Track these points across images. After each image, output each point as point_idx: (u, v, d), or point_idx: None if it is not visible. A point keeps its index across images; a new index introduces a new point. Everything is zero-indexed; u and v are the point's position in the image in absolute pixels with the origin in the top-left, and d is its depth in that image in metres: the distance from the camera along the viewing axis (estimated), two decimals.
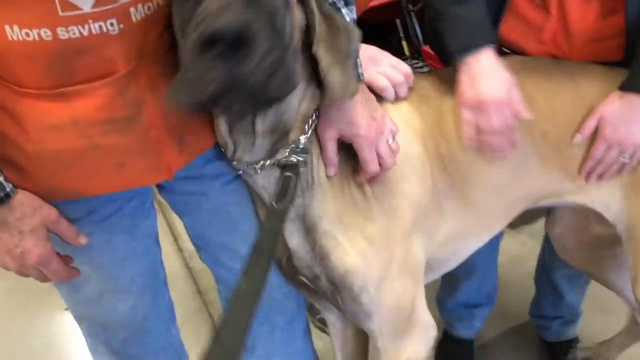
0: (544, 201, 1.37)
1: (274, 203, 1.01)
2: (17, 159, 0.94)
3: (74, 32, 0.86)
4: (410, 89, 1.23)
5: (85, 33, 0.86)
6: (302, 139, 1.05)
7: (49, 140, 0.93)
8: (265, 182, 1.08)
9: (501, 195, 1.30)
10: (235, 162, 1.09)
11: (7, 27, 0.83)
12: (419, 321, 1.21)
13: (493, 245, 1.74)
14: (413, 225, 1.17)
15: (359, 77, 1.04)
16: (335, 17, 0.97)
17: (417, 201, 1.18)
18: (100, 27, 0.86)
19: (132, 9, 0.88)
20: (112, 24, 0.87)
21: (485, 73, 1.14)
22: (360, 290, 1.14)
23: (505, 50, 1.37)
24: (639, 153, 1.23)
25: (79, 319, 1.24)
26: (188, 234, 1.29)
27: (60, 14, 0.84)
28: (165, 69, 0.97)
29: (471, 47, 1.16)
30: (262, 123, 1.02)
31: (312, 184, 1.10)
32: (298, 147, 1.04)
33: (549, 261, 1.85)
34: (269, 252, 0.92)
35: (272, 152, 1.05)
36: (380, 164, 1.09)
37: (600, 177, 1.27)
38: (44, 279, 1.02)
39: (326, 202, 1.11)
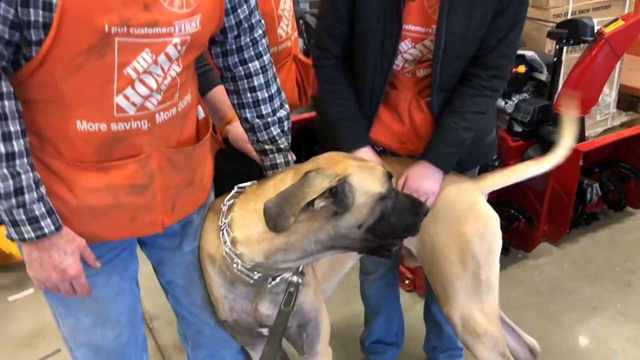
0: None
1: (282, 306, 1.45)
2: (62, 210, 1.25)
3: (121, 126, 1.23)
4: None
5: (127, 128, 1.24)
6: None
7: (88, 198, 1.26)
8: (270, 287, 1.48)
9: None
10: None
11: (77, 121, 1.20)
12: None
13: (392, 290, 2.25)
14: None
15: None
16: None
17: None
18: (137, 124, 1.25)
19: (157, 115, 1.28)
20: (144, 123, 1.26)
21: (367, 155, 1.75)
22: (318, 318, 1.62)
23: (377, 148, 1.90)
24: (431, 199, 1.71)
25: (78, 345, 1.50)
26: (159, 280, 1.65)
27: (115, 115, 1.21)
28: (170, 156, 1.35)
29: (357, 146, 1.77)
30: None
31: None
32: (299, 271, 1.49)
33: (428, 300, 2.22)
34: (280, 334, 1.44)
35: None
36: None
37: None
38: (72, 292, 1.31)
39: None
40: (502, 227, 1.78)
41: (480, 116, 1.71)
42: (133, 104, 1.23)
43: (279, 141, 1.52)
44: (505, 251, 3.02)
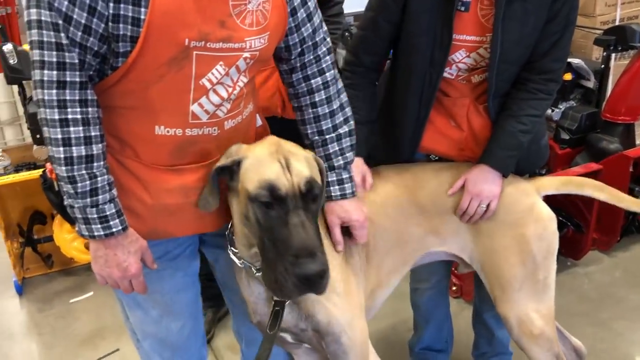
0: (424, 257, 1.82)
1: (267, 330, 1.42)
2: (138, 208, 1.38)
3: (194, 132, 1.35)
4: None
5: (200, 133, 1.36)
6: None
7: (163, 198, 1.38)
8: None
9: (394, 258, 1.76)
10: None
11: (156, 126, 1.31)
12: (372, 352, 1.62)
13: (444, 299, 2.26)
14: (359, 281, 1.61)
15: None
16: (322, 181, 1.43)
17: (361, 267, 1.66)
18: (208, 130, 1.37)
19: (225, 122, 1.39)
20: (214, 130, 1.38)
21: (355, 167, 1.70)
22: (340, 333, 1.50)
23: (433, 157, 1.93)
24: (493, 202, 1.72)
25: (145, 336, 1.61)
26: (216, 278, 1.75)
27: (190, 121, 1.33)
28: None
29: None
30: None
31: None
32: None
33: (479, 306, 2.21)
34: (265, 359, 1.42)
35: None
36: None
37: (470, 219, 1.74)
38: (129, 289, 1.40)
39: None
40: None
41: (536, 119, 1.74)
42: (206, 112, 1.34)
43: (334, 159, 1.54)
44: None
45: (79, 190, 1.25)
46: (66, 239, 3.09)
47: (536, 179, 1.87)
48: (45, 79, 1.18)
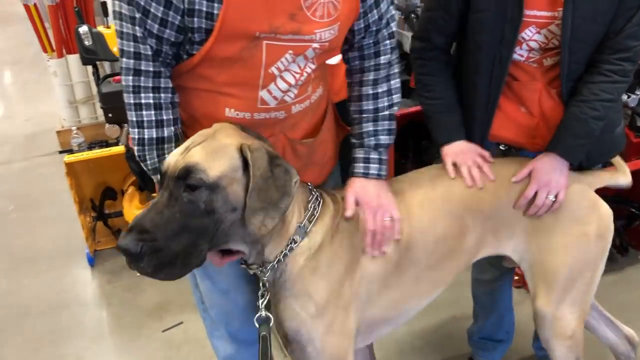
0: (475, 258, 1.71)
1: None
2: None
3: (262, 116, 1.40)
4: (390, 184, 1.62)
5: (267, 117, 1.41)
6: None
7: None
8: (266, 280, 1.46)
9: (438, 272, 1.64)
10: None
11: (226, 109, 1.38)
12: None
13: (507, 291, 2.20)
14: (352, 300, 1.49)
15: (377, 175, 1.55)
16: (276, 179, 1.28)
17: (365, 283, 1.52)
18: (275, 114, 1.42)
19: (293, 106, 1.44)
20: (281, 113, 1.43)
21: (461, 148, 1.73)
22: (307, 343, 1.46)
23: (502, 147, 1.85)
24: (561, 193, 1.62)
25: (212, 305, 1.67)
26: None
27: (258, 106, 1.39)
28: (294, 145, 1.50)
29: (451, 140, 1.76)
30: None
31: (281, 278, 1.44)
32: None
33: None
34: None
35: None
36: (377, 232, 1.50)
37: (536, 213, 1.63)
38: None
39: (290, 289, 1.45)
40: (620, 227, 1.72)
41: (610, 104, 1.64)
42: (274, 97, 1.38)
43: (365, 138, 1.55)
44: (623, 251, 2.88)
45: (149, 168, 1.37)
46: (135, 214, 3.21)
47: (589, 172, 1.76)
48: (124, 66, 1.32)
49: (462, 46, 1.78)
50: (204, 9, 1.23)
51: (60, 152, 4.59)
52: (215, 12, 1.23)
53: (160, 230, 1.20)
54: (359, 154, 1.56)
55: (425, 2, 1.82)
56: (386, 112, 1.56)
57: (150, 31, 1.26)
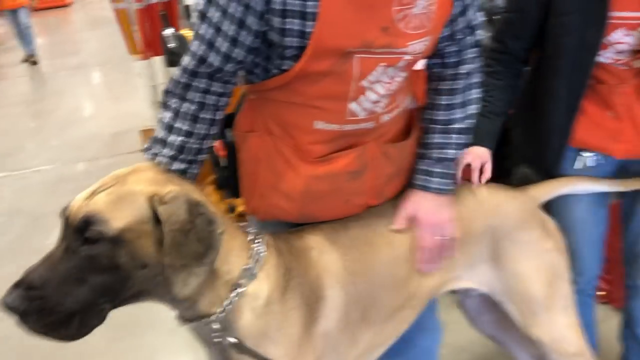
0: (439, 292, 1.60)
1: None
2: (290, 192, 1.41)
3: (350, 127, 1.37)
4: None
5: (356, 128, 1.38)
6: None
7: (313, 184, 1.40)
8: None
9: (403, 305, 1.52)
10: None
11: (314, 121, 1.35)
12: None
13: (587, 304, 1.96)
14: (323, 354, 1.36)
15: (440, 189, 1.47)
16: (198, 231, 1.14)
17: (330, 335, 1.37)
18: (364, 125, 1.38)
19: (382, 116, 1.40)
20: (370, 124, 1.39)
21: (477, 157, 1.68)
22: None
23: (586, 154, 1.73)
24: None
25: None
26: None
27: (347, 118, 1.35)
28: (386, 149, 1.44)
29: (479, 144, 1.68)
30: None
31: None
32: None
33: (631, 317, 2.01)
34: None
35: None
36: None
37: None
38: None
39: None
40: None
41: None
42: (364, 109, 1.36)
43: (431, 150, 1.48)
44: None
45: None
46: None
47: (532, 187, 1.68)
48: (183, 63, 1.28)
49: (541, 50, 1.70)
50: (296, 27, 1.21)
51: (143, 151, 4.77)
52: (308, 30, 1.21)
53: (51, 288, 1.07)
54: (422, 165, 1.49)
55: (506, 4, 1.76)
56: (458, 125, 1.48)
57: (218, 49, 1.24)
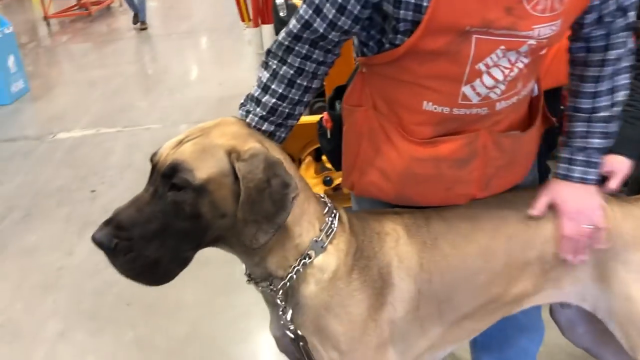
0: (524, 304, 1.49)
1: None
2: (389, 171, 1.38)
3: (462, 111, 1.30)
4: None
5: (467, 113, 1.31)
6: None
7: (413, 166, 1.36)
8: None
9: (481, 310, 1.44)
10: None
11: (424, 102, 1.29)
12: None
13: None
14: (390, 339, 1.33)
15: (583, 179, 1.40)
16: (273, 192, 1.16)
17: (398, 324, 1.34)
18: (476, 111, 1.31)
19: (497, 103, 1.31)
20: (483, 110, 1.31)
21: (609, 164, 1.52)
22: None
23: None
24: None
25: None
26: None
27: (459, 102, 1.29)
28: (498, 138, 1.36)
29: (617, 152, 1.52)
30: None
31: (298, 305, 1.29)
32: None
33: None
34: None
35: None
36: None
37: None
38: None
39: (306, 319, 1.30)
40: None
41: None
42: (478, 94, 1.28)
43: (574, 138, 1.41)
44: None
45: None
46: (310, 183, 3.33)
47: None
48: (289, 26, 1.28)
49: None
50: (412, 0, 1.16)
51: None
52: (425, 4, 1.16)
53: (138, 230, 1.12)
54: (564, 153, 1.42)
55: None
56: (604, 113, 1.39)
57: (325, 15, 1.22)
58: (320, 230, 1.28)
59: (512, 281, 1.43)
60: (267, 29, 4.53)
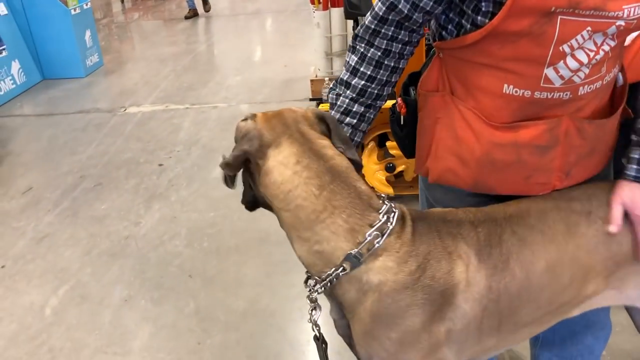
0: (585, 307, 1.41)
1: None
2: (466, 156, 1.37)
3: (543, 95, 1.26)
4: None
5: (549, 97, 1.27)
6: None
7: (493, 152, 1.33)
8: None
9: (541, 318, 1.38)
10: None
11: (505, 85, 1.26)
12: None
13: None
14: (446, 344, 1.26)
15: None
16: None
17: (455, 333, 1.27)
18: (559, 95, 1.26)
19: (580, 87, 1.27)
20: (566, 94, 1.27)
21: None
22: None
23: None
24: None
25: None
26: None
27: (541, 85, 1.25)
28: (581, 125, 1.31)
29: None
30: None
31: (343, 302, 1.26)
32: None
33: None
34: None
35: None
36: None
37: None
38: None
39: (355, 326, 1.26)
40: None
41: None
42: (561, 77, 1.24)
43: None
44: None
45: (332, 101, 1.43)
46: (372, 168, 3.33)
47: None
48: (375, 9, 1.32)
49: None
50: None
51: (311, 100, 4.92)
52: None
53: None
54: (635, 153, 1.35)
55: None
56: None
57: None
58: (357, 244, 1.17)
59: (576, 289, 1.37)
60: (336, 12, 4.53)
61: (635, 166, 1.34)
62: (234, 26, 9.21)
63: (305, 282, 1.29)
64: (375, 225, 1.19)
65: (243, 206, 1.42)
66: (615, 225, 1.32)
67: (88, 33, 6.87)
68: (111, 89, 6.31)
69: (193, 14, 9.72)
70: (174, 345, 2.52)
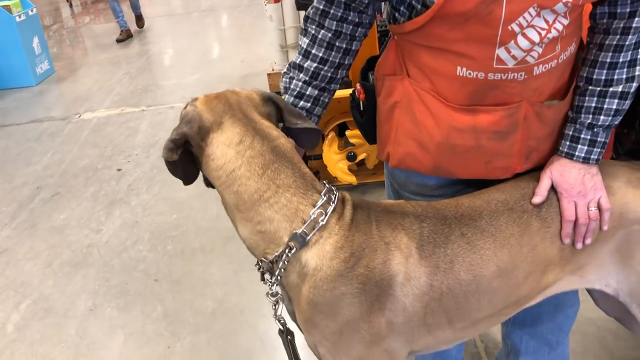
0: (546, 294, 1.41)
1: None
2: (426, 141, 1.36)
3: (497, 76, 1.25)
4: None
5: (504, 78, 1.26)
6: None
7: (452, 137, 1.33)
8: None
9: (500, 311, 1.36)
10: None
11: (458, 67, 1.26)
12: None
13: None
14: (390, 335, 1.25)
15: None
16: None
17: (400, 326, 1.25)
18: (513, 76, 1.25)
19: (535, 67, 1.25)
20: (521, 75, 1.25)
21: None
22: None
23: None
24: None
25: None
26: None
27: (494, 66, 1.24)
28: (540, 109, 1.31)
29: None
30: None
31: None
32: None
33: None
34: None
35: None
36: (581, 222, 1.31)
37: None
38: None
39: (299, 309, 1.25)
40: None
41: None
42: (513, 57, 1.22)
43: (582, 114, 1.32)
44: None
45: (282, 86, 1.42)
46: (333, 159, 3.33)
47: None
48: None
49: None
50: None
51: None
52: None
53: None
54: (569, 130, 1.34)
55: None
56: (619, 88, 1.29)
57: None
58: (302, 223, 1.17)
59: (535, 282, 1.35)
60: (288, 4, 4.49)
61: (567, 142, 1.34)
62: (188, 24, 9.08)
63: (262, 278, 1.27)
64: (318, 204, 1.19)
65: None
66: (540, 196, 1.33)
67: (36, 40, 6.68)
68: (64, 96, 6.16)
69: (126, 36, 8.27)
70: (144, 351, 2.48)
